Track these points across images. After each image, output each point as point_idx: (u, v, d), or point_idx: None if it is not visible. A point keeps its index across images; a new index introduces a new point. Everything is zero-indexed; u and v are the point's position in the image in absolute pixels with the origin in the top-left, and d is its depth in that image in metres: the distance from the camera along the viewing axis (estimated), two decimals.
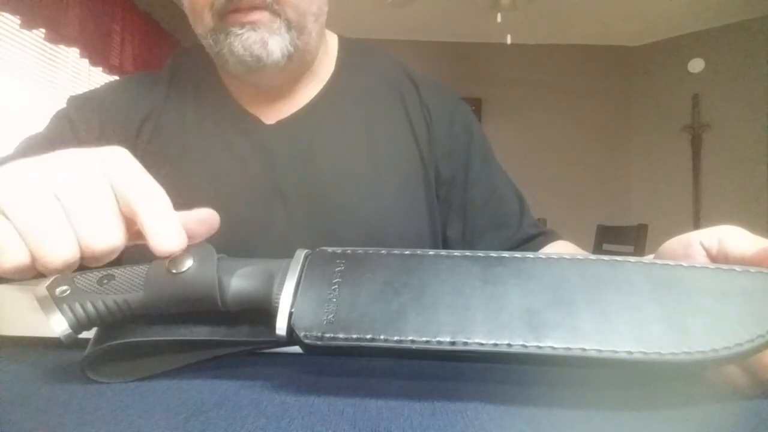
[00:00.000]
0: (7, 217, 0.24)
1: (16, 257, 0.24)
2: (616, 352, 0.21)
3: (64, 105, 0.60)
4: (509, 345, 0.22)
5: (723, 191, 3.29)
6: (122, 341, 0.27)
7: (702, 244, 0.29)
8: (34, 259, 0.25)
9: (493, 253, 0.27)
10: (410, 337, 0.23)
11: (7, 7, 1.77)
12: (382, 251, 0.28)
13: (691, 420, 0.22)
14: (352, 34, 0.67)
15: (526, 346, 0.22)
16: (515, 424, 0.21)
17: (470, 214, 0.61)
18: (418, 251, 0.27)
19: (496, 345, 0.22)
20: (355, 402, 0.23)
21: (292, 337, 0.25)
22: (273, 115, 0.58)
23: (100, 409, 0.22)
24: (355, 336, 0.23)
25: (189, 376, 0.27)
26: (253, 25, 0.49)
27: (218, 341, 0.28)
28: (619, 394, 0.25)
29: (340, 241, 0.55)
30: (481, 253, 0.27)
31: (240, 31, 0.49)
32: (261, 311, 0.27)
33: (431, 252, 0.27)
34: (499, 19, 2.59)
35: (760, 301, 0.22)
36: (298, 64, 0.56)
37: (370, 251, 0.28)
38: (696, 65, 3.41)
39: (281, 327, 0.25)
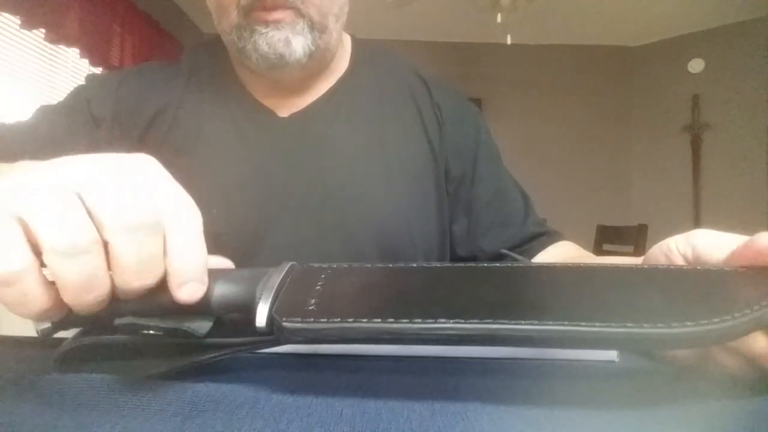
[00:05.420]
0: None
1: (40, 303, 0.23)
2: (609, 326, 0.21)
3: (84, 82, 0.62)
4: (492, 321, 0.22)
5: (723, 191, 3.29)
6: (95, 339, 0.27)
7: (678, 250, 0.30)
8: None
9: (478, 264, 0.28)
10: (390, 318, 0.23)
11: (7, 7, 1.77)
12: (367, 264, 0.29)
13: (692, 419, 0.22)
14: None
15: (516, 323, 0.22)
16: (515, 424, 0.21)
17: (476, 211, 0.62)
18: (401, 264, 0.28)
19: (481, 322, 0.22)
20: (354, 403, 0.23)
21: (272, 328, 0.24)
22: (287, 108, 0.59)
23: (96, 409, 0.22)
24: (337, 319, 0.23)
25: (186, 377, 0.27)
26: (277, 24, 0.51)
27: (201, 344, 0.27)
28: (619, 394, 0.25)
29: (349, 233, 0.56)
30: (462, 264, 0.28)
31: (264, 30, 0.51)
32: (247, 316, 0.26)
33: (414, 264, 0.28)
34: (499, 19, 2.59)
35: (743, 287, 0.24)
36: (318, 62, 0.57)
37: (355, 265, 0.29)
38: (696, 65, 3.41)
39: (261, 317, 0.25)
